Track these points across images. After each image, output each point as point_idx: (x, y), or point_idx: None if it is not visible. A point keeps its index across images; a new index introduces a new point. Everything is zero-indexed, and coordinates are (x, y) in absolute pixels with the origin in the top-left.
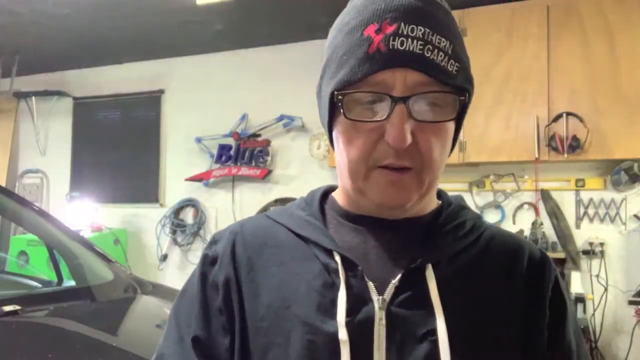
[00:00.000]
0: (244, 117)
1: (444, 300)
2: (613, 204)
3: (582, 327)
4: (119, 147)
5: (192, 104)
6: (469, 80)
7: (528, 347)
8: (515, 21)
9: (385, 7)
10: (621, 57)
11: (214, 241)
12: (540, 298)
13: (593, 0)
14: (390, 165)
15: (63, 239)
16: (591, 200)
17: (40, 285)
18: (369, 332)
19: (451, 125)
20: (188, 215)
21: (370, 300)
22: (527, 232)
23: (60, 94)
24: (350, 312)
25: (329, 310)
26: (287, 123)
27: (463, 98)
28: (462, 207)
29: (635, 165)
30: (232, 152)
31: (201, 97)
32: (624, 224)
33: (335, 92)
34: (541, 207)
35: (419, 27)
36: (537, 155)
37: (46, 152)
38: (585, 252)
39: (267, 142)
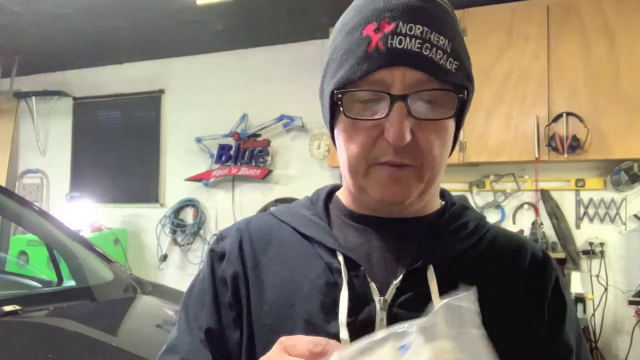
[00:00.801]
0: (244, 117)
1: None
2: (613, 204)
3: (582, 327)
4: (119, 147)
5: (192, 104)
6: (469, 78)
7: (528, 348)
8: (515, 21)
9: (384, 6)
10: (621, 57)
11: (221, 237)
12: (540, 299)
13: (593, 0)
14: (390, 163)
15: (63, 239)
16: (591, 200)
17: (40, 285)
18: (370, 332)
19: (451, 123)
20: (188, 215)
21: (372, 300)
22: (527, 232)
23: (60, 94)
24: (352, 312)
25: (331, 309)
26: (287, 123)
27: (462, 95)
28: (465, 207)
29: (635, 165)
30: (232, 152)
31: (201, 97)
32: (624, 224)
33: (335, 91)
34: (541, 207)
35: (418, 26)
36: (537, 155)
37: (46, 152)
38: (585, 252)
39: (267, 142)
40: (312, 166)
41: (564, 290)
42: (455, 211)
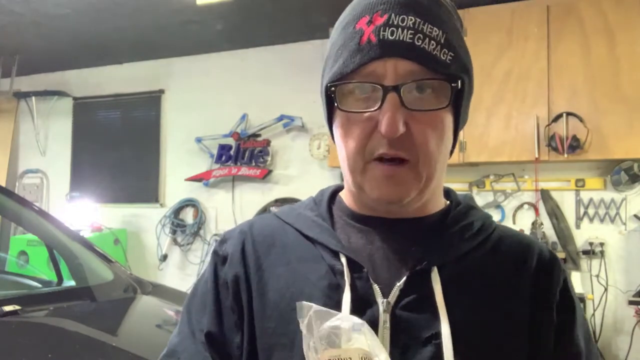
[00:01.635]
0: (244, 117)
1: (449, 304)
2: (613, 204)
3: None
4: (119, 147)
5: (192, 104)
6: (465, 69)
7: (534, 351)
8: (515, 21)
9: (377, 0)
10: (621, 57)
11: (224, 240)
12: (548, 302)
13: (593, 0)
14: (384, 156)
15: (63, 239)
16: (591, 200)
17: (40, 285)
18: None
19: (448, 117)
20: (188, 215)
21: (375, 302)
22: (527, 232)
23: (60, 94)
24: (355, 314)
25: None
26: (287, 123)
27: (455, 84)
28: (470, 207)
29: (635, 165)
30: (232, 152)
31: (201, 97)
32: (624, 224)
33: (329, 85)
34: (541, 207)
35: (410, 17)
36: (537, 155)
37: (46, 152)
38: (585, 252)
39: (267, 142)
40: (312, 166)
41: (572, 292)
42: (460, 211)
